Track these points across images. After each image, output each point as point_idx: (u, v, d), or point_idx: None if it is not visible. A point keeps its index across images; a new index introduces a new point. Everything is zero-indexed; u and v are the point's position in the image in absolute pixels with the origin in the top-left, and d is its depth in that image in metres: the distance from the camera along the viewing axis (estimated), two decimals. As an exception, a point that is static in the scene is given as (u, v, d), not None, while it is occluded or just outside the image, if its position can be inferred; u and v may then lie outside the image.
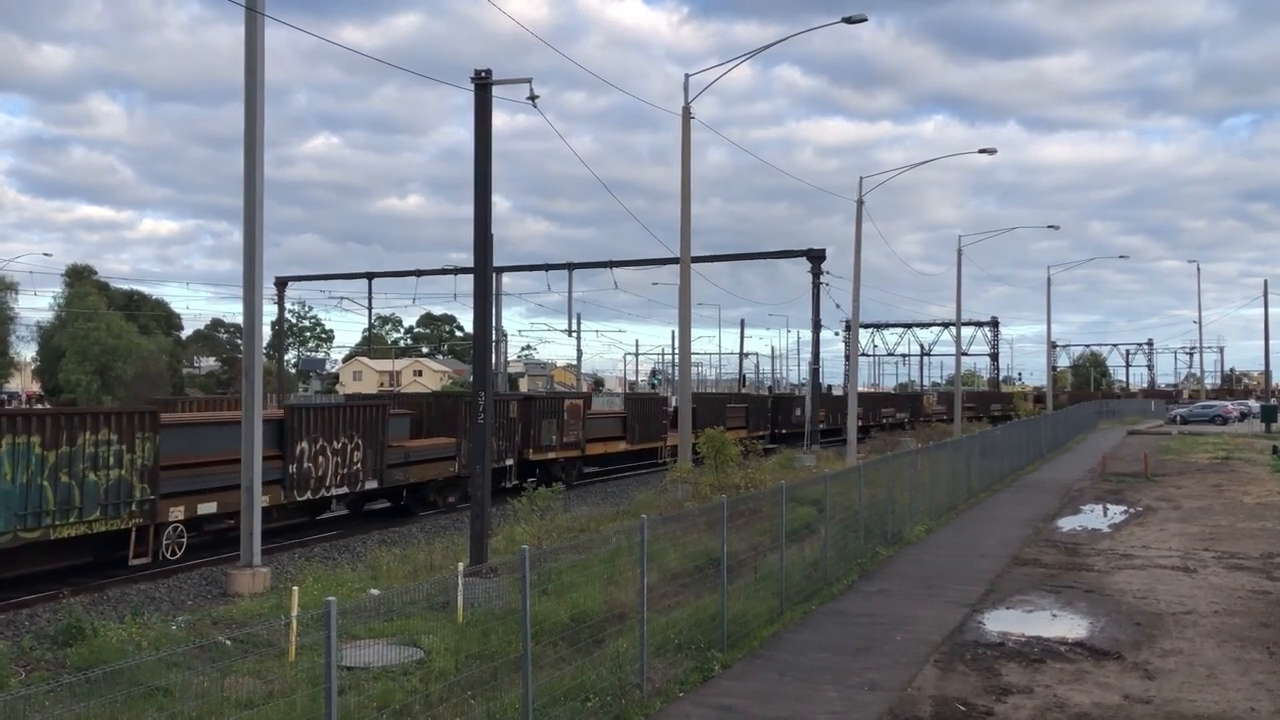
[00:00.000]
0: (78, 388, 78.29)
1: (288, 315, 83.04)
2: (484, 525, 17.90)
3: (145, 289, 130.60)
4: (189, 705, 9.49)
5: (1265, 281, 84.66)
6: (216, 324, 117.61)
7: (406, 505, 30.67)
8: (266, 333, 63.61)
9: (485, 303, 18.81)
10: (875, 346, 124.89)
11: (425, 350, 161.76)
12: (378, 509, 30.77)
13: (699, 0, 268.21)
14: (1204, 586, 17.52)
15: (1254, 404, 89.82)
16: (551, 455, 36.25)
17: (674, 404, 53.83)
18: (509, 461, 33.53)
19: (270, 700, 9.72)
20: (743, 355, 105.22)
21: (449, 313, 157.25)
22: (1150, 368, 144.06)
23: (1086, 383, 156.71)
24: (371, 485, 27.91)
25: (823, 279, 51.40)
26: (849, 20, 31.09)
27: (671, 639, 12.44)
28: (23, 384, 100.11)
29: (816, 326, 52.79)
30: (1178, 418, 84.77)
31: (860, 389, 66.82)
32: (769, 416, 57.25)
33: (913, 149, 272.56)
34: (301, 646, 11.53)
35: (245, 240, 18.70)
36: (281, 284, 69.61)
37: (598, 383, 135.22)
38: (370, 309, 74.32)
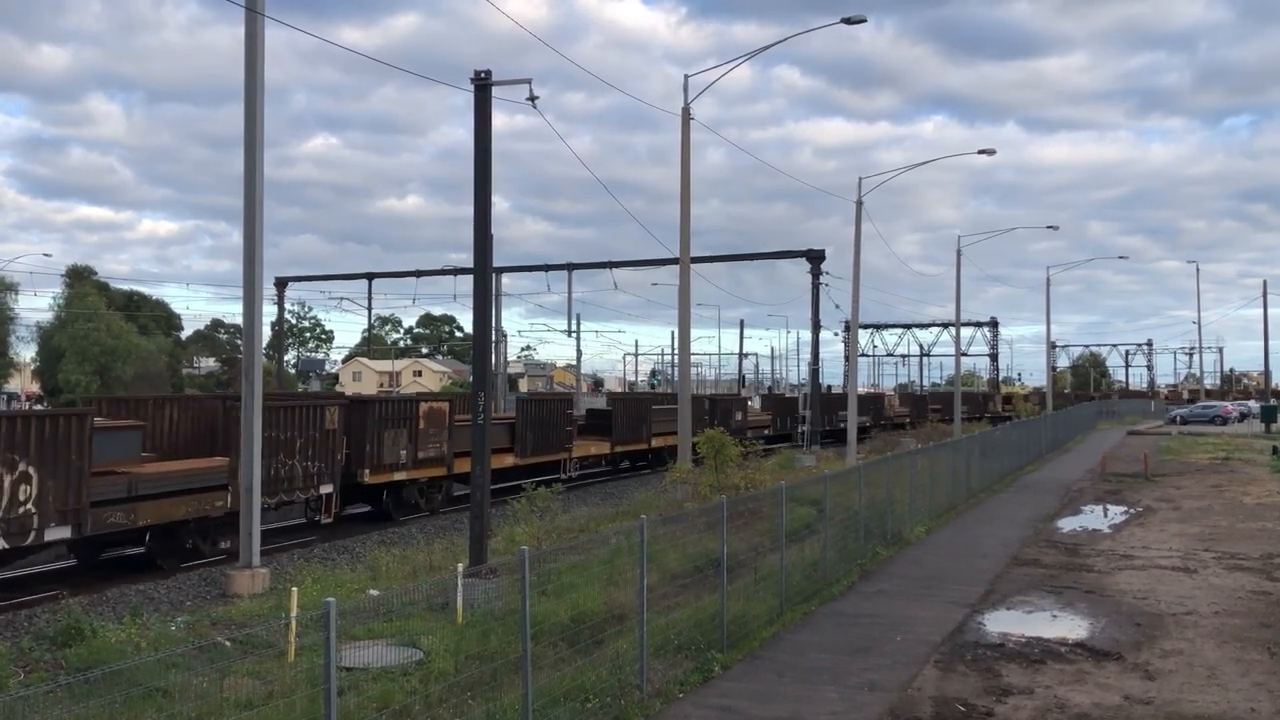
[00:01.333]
0: (77, 388, 78.33)
1: (287, 315, 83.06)
2: (483, 526, 17.90)
3: (145, 289, 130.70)
4: (188, 706, 9.47)
5: (1264, 282, 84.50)
6: (216, 324, 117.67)
7: (151, 554, 21.67)
8: (266, 333, 63.70)
9: (485, 303, 18.80)
10: (875, 347, 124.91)
11: (425, 351, 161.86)
12: (133, 555, 22.11)
13: (697, 1, 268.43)
14: (1204, 587, 17.51)
15: (1254, 404, 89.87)
16: (400, 476, 28.54)
17: (583, 408, 50.07)
18: (324, 489, 24.81)
19: (269, 701, 9.71)
20: (742, 355, 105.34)
21: (449, 313, 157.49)
22: (1150, 368, 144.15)
23: (1086, 383, 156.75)
24: (59, 534, 18.38)
25: (822, 279, 51.45)
26: (848, 21, 31.08)
27: (671, 640, 12.43)
28: (22, 384, 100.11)
29: (816, 327, 52.82)
30: (1177, 418, 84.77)
31: (861, 390, 66.47)
32: (705, 420, 47.74)
33: (912, 150, 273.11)
34: (301, 647, 11.51)
35: (245, 241, 18.68)
36: (281, 284, 69.66)
37: (597, 383, 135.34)
38: (370, 309, 74.40)
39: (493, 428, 30.36)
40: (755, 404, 73.42)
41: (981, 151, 46.91)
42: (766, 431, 57.09)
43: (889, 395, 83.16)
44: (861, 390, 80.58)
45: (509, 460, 34.15)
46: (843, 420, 62.82)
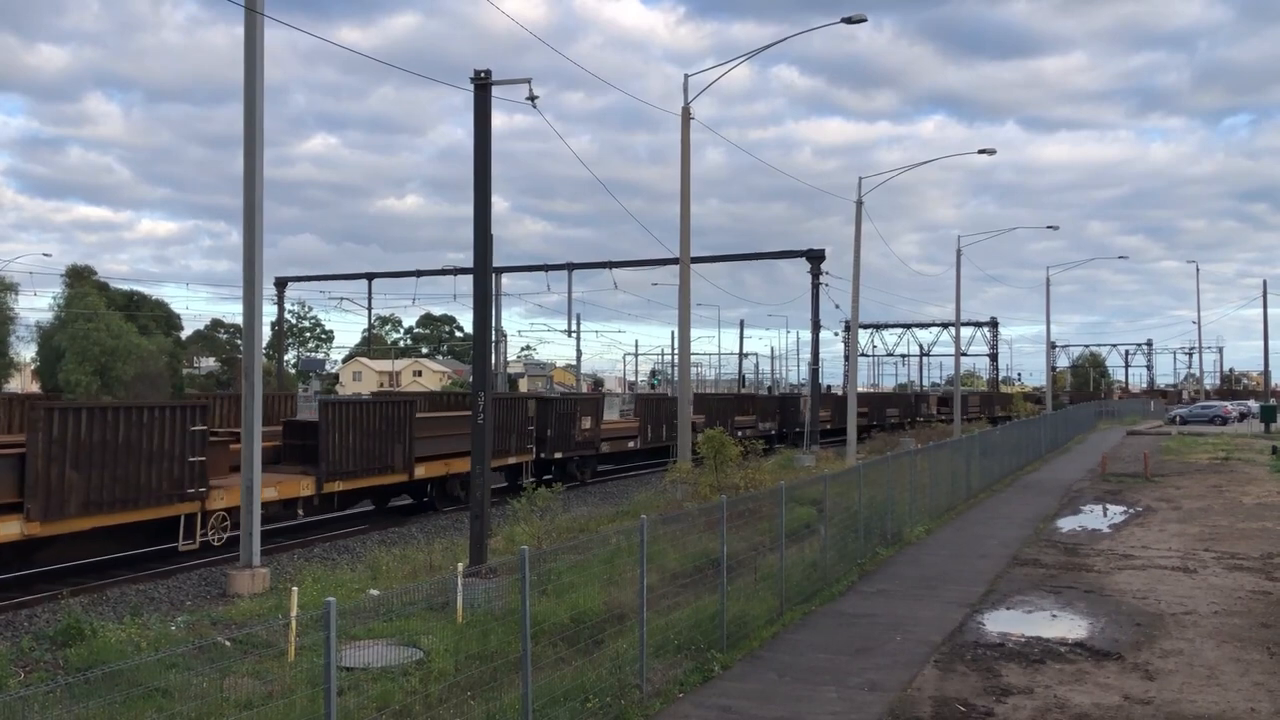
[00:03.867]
0: (77, 388, 78.32)
1: (287, 315, 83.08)
2: (483, 526, 17.90)
3: (144, 289, 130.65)
4: (188, 706, 9.47)
5: (1264, 282, 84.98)
6: (216, 324, 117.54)
7: None
8: (266, 333, 63.75)
9: (485, 303, 18.80)
10: (875, 347, 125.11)
11: (425, 351, 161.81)
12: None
13: (696, 0, 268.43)
14: (1204, 587, 17.52)
15: (1253, 404, 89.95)
16: None
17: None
18: None
19: (269, 701, 9.71)
20: (742, 355, 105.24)
21: (449, 313, 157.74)
22: (1149, 368, 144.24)
23: (1086, 383, 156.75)
24: None
25: (822, 279, 51.44)
26: (848, 20, 31.07)
27: (671, 640, 12.43)
28: (22, 384, 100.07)
29: (816, 327, 52.81)
30: (1177, 418, 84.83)
31: (858, 389, 65.86)
32: (530, 433, 33.95)
33: (911, 149, 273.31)
34: (301, 647, 11.51)
35: (245, 240, 18.68)
36: (281, 284, 69.75)
37: (597, 383, 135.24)
38: (370, 309, 74.49)
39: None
40: (620, 409, 59.97)
41: (981, 151, 46.91)
42: (631, 444, 41.48)
43: (806, 397, 69.31)
44: (861, 389, 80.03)
45: (16, 528, 18.08)
46: (743, 426, 49.10)
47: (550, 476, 34.80)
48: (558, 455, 35.59)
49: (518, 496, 21.40)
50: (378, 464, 27.07)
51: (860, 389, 76.14)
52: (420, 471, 28.50)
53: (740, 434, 45.27)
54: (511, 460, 32.83)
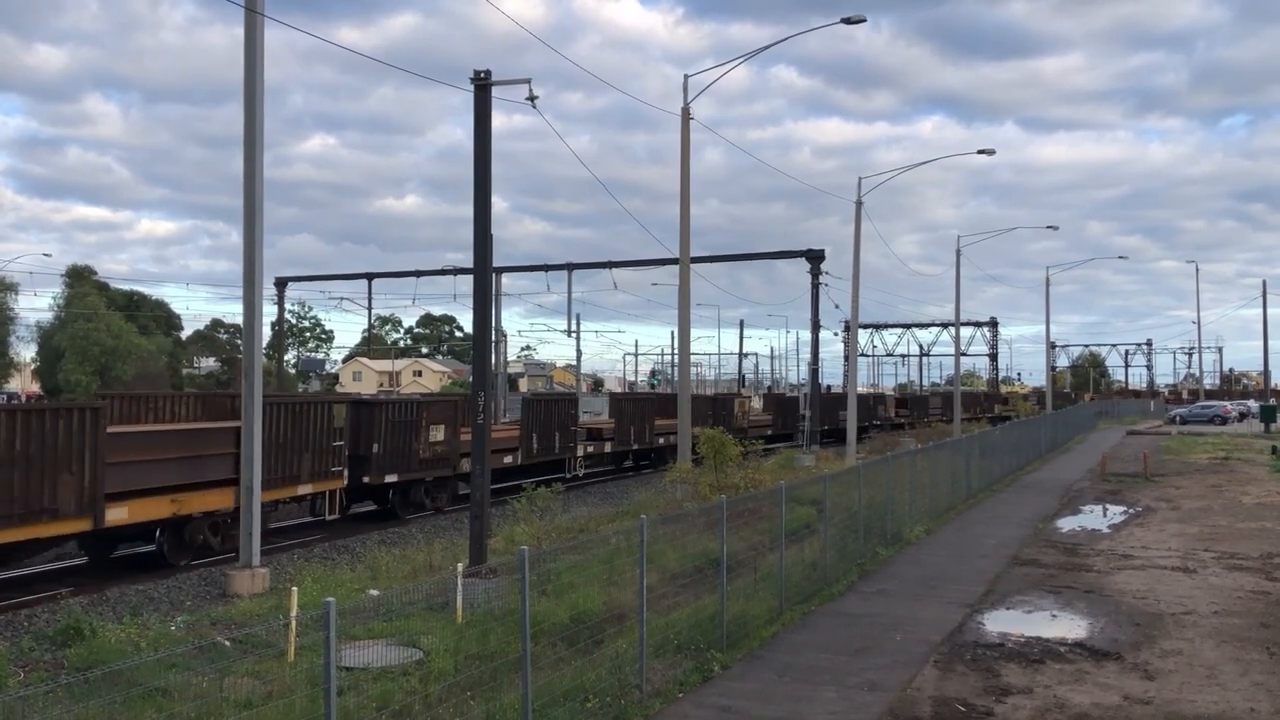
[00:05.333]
0: (78, 388, 78.35)
1: (287, 315, 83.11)
2: (483, 526, 17.91)
3: (144, 289, 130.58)
4: (188, 706, 9.47)
5: (1264, 282, 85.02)
6: (216, 324, 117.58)
7: None
8: (266, 333, 63.71)
9: (485, 303, 18.81)
10: (874, 347, 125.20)
11: (425, 351, 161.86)
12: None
13: (694, 0, 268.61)
14: (1203, 587, 17.52)
15: (1253, 404, 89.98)
16: None
17: None
18: None
19: (269, 701, 9.71)
20: (742, 355, 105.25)
21: (449, 313, 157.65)
22: (1149, 368, 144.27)
23: (1085, 383, 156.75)
24: None
25: (822, 279, 51.43)
26: (848, 21, 31.08)
27: (671, 639, 12.44)
28: (22, 384, 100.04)
29: (815, 327, 52.79)
30: (1177, 418, 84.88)
31: (860, 389, 65.83)
32: (335, 450, 25.56)
33: (910, 149, 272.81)
34: (301, 647, 11.51)
35: (245, 240, 18.68)
36: (281, 284, 69.78)
37: (597, 383, 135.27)
38: (370, 309, 74.50)
39: None
40: (506, 415, 46.70)
41: (981, 151, 46.94)
42: (509, 459, 33.20)
43: (742, 398, 61.79)
44: (863, 389, 79.92)
45: None
46: (660, 432, 42.63)
47: (390, 506, 28.23)
48: (391, 479, 27.54)
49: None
50: (21, 507, 17.52)
51: (860, 389, 76.01)
52: (119, 514, 19.26)
53: (661, 440, 41.20)
54: (303, 489, 24.47)
